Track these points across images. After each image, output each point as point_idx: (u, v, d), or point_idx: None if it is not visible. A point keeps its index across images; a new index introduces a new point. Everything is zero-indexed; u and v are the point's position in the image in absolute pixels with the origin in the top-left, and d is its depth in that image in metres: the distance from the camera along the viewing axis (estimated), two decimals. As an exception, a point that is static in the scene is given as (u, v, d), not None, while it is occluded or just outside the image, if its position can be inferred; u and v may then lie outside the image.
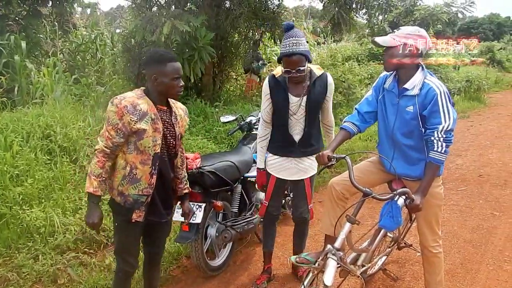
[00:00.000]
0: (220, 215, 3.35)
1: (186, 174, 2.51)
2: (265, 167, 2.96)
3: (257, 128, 3.87)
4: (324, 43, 15.81)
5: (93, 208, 2.19)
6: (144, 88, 2.24)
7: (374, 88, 2.61)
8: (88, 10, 19.52)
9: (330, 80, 2.80)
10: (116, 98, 2.14)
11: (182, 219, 2.97)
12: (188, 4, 6.08)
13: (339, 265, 2.29)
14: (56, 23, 11.54)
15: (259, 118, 3.93)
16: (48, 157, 3.98)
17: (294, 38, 2.60)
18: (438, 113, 2.28)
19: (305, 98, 2.74)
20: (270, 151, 2.93)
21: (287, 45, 2.60)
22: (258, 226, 3.74)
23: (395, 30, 2.43)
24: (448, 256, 3.52)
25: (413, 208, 2.25)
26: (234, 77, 9.22)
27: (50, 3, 11.47)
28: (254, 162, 3.58)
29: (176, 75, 2.17)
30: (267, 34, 7.79)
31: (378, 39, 2.40)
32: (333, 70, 9.96)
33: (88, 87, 7.49)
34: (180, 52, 5.95)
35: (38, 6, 11.06)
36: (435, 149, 2.29)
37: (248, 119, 4.01)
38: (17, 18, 10.48)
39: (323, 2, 8.11)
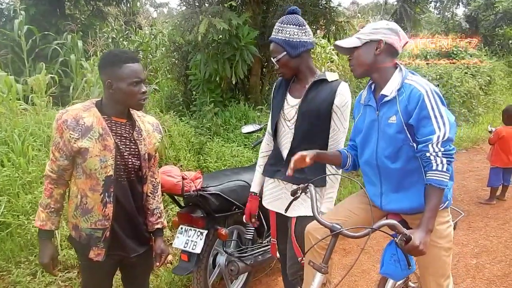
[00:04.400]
0: (233, 242, 2.92)
1: (159, 205, 2.07)
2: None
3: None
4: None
5: (42, 245, 1.86)
6: (99, 99, 1.87)
7: (353, 111, 2.11)
8: (158, 10, 20.16)
9: (342, 89, 2.11)
10: (59, 112, 1.80)
11: (182, 246, 2.61)
12: (232, 0, 5.69)
13: None
14: (122, 22, 11.88)
15: None
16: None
17: (280, 23, 2.13)
18: (429, 118, 1.74)
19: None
20: (263, 173, 2.40)
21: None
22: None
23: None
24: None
25: (411, 250, 1.63)
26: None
27: (114, 3, 11.79)
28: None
29: (134, 78, 1.75)
30: (318, 32, 7.20)
31: (340, 42, 1.94)
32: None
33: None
34: (220, 51, 5.60)
35: (102, 6, 11.39)
36: (434, 167, 1.72)
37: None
38: (82, 18, 10.85)
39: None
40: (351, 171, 2.19)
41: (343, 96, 2.11)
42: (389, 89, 1.86)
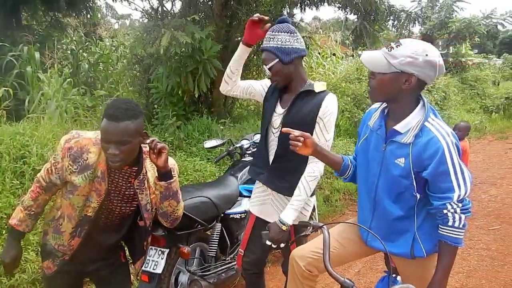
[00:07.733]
0: (195, 260, 2.84)
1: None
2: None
3: (249, 154, 3.38)
4: (352, 55, 15.16)
5: (9, 244, 1.82)
6: None
7: (359, 128, 1.99)
8: (120, 21, 19.78)
9: (329, 101, 2.09)
10: (73, 132, 1.72)
11: (142, 266, 2.51)
12: (195, 13, 5.67)
13: None
14: (82, 34, 11.55)
15: (254, 142, 3.44)
16: (19, 181, 3.60)
17: (271, 32, 2.13)
18: (448, 175, 1.60)
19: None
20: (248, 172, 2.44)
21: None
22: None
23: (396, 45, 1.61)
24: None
25: None
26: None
27: (74, 14, 11.50)
28: (241, 195, 3.07)
29: (103, 137, 1.59)
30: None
31: (365, 59, 1.68)
32: (357, 85, 9.38)
33: (102, 100, 7.20)
34: (183, 65, 5.54)
35: (61, 17, 11.08)
36: (450, 223, 1.63)
37: (239, 144, 3.49)
38: (39, 29, 10.51)
39: (345, 12, 7.56)
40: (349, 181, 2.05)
41: (327, 108, 2.08)
42: (405, 127, 1.67)
